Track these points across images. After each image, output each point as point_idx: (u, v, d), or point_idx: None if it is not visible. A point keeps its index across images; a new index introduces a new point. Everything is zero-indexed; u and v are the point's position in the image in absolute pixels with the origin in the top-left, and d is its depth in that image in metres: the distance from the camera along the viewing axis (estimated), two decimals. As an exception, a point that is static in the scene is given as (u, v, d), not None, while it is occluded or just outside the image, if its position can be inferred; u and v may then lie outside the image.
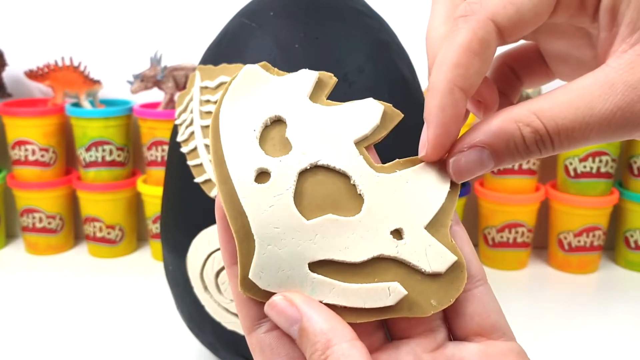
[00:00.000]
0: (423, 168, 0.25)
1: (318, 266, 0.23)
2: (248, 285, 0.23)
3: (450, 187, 0.25)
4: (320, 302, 0.23)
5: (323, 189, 0.24)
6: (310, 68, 0.25)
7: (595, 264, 0.83)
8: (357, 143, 0.24)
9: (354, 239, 0.23)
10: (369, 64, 0.47)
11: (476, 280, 0.25)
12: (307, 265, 0.23)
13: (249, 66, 0.25)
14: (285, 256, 0.23)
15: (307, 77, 0.25)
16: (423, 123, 0.24)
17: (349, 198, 0.24)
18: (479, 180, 0.86)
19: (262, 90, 0.25)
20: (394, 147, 0.28)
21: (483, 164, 0.23)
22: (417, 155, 0.25)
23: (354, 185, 0.24)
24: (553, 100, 0.22)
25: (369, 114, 0.25)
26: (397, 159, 0.25)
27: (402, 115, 0.25)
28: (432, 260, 0.24)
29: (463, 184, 0.83)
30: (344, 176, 0.24)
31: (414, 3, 0.85)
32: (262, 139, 0.24)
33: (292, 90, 0.25)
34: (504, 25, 0.23)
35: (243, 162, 0.24)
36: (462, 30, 0.23)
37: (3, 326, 0.66)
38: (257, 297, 0.23)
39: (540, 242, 0.87)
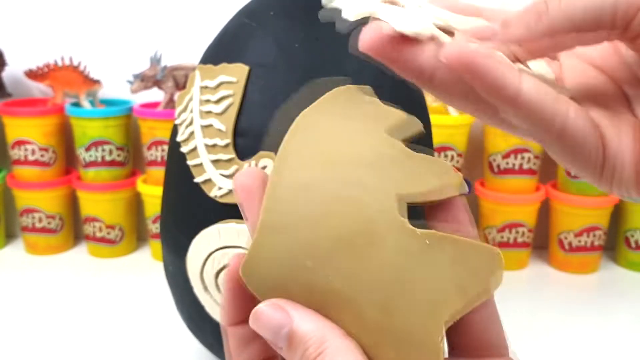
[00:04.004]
0: None
1: None
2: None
3: None
4: None
5: None
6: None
7: (596, 264, 0.83)
8: None
9: None
10: (369, 64, 0.47)
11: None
12: None
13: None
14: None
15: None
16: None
17: None
18: (479, 180, 0.86)
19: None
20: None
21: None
22: None
23: None
24: None
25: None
26: None
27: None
28: None
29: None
30: None
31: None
32: None
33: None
34: None
35: None
36: None
37: (3, 326, 0.66)
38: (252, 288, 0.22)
39: (541, 242, 0.87)
